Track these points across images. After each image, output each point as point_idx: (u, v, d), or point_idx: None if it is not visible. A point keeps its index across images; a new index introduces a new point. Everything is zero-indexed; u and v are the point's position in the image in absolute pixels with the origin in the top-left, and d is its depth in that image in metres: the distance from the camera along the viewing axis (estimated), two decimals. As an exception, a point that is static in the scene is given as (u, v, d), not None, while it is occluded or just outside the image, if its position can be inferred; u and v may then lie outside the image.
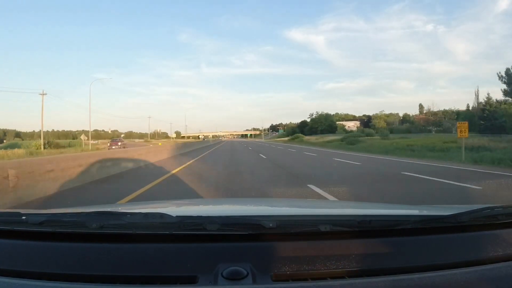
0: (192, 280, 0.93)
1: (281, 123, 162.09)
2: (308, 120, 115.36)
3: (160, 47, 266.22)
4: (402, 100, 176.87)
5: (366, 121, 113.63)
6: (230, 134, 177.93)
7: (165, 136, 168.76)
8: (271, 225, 1.03)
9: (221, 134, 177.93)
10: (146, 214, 1.11)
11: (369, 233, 1.08)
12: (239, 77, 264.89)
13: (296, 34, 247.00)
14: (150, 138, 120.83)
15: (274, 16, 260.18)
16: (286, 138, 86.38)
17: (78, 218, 1.13)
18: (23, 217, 1.09)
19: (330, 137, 58.03)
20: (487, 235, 1.11)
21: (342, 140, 47.23)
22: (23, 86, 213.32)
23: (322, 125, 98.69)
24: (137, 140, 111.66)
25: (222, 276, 0.92)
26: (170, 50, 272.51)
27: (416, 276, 0.93)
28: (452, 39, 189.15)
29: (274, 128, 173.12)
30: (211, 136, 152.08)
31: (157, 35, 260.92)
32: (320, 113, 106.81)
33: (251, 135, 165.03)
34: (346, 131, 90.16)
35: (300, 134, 72.17)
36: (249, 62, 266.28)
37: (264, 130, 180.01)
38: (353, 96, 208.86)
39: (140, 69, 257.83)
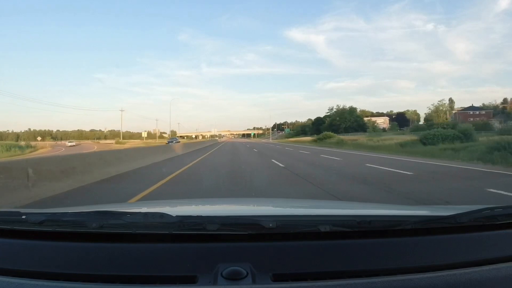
0: (192, 280, 0.93)
1: (286, 122, 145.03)
2: (325, 116, 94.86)
3: (160, 47, 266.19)
4: (402, 99, 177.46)
5: (396, 118, 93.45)
6: (230, 134, 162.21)
7: (159, 136, 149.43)
8: (271, 225, 1.03)
9: (219, 133, 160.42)
10: (146, 214, 1.10)
11: (369, 234, 1.08)
12: (239, 77, 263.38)
13: (296, 34, 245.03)
14: (128, 139, 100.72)
15: (274, 16, 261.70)
16: (309, 138, 64.36)
17: (78, 217, 1.13)
18: (23, 216, 1.09)
19: (399, 137, 35.79)
20: (487, 235, 1.11)
21: (423, 141, 26.49)
22: (24, 86, 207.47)
23: (347, 122, 78.15)
24: (105, 141, 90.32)
25: (222, 276, 0.92)
26: (170, 50, 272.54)
27: (416, 276, 0.93)
28: (453, 39, 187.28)
29: (278, 127, 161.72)
30: (208, 136, 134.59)
31: (157, 35, 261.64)
32: (342, 107, 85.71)
33: (254, 134, 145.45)
34: (378, 129, 69.86)
35: (331, 133, 50.46)
36: (249, 62, 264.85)
37: (268, 129, 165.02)
38: (354, 96, 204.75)
39: (140, 69, 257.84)
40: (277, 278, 0.93)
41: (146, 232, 1.06)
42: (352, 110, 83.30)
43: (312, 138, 53.82)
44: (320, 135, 49.07)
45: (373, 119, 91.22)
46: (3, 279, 0.92)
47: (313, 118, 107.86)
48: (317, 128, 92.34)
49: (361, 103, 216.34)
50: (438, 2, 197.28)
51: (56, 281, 0.92)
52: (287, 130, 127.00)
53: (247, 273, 0.92)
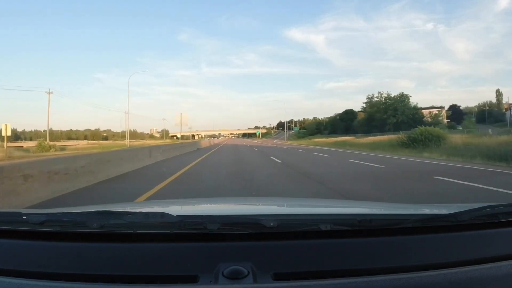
0: (193, 279, 0.93)
1: (292, 120, 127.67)
2: (359, 109, 72.08)
3: (160, 47, 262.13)
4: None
5: (455, 111, 70.50)
6: (230, 133, 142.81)
7: (149, 136, 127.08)
8: (271, 224, 1.03)
9: (219, 132, 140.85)
10: (147, 214, 1.10)
11: (370, 232, 1.07)
12: (239, 76, 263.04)
13: (296, 34, 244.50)
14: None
15: (273, 16, 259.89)
16: (352, 138, 41.76)
17: (79, 217, 1.13)
18: (24, 217, 1.09)
19: None
20: (488, 234, 1.11)
21: None
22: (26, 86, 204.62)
23: (399, 116, 54.42)
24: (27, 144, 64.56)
25: (223, 275, 0.92)
26: (170, 50, 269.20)
27: (416, 275, 0.93)
28: (452, 38, 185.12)
29: (283, 126, 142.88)
30: (203, 136, 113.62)
31: (157, 35, 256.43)
32: (385, 94, 61.63)
33: (259, 133, 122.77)
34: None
35: (437, 130, 25.66)
36: (249, 61, 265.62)
37: (273, 128, 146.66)
38: (354, 96, 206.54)
39: (140, 69, 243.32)
40: (278, 277, 0.93)
41: (147, 232, 1.05)
42: (403, 99, 58.84)
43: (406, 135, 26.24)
44: (415, 133, 23.29)
45: (434, 111, 67.16)
46: (4, 280, 0.92)
47: (320, 117, 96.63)
48: (348, 124, 69.43)
49: (360, 103, 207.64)
50: (438, 2, 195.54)
51: (57, 281, 0.92)
52: (295, 128, 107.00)
53: (248, 272, 0.92)
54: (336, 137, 55.75)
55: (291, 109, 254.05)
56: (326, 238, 1.04)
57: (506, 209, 1.14)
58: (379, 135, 44.71)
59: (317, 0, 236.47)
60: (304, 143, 48.97)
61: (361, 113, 71.18)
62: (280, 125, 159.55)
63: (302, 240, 1.03)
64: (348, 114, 72.85)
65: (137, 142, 60.05)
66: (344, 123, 71.65)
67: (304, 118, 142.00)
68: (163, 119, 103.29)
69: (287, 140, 69.68)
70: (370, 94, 65.35)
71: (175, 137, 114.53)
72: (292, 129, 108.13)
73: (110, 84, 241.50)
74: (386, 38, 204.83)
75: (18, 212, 1.12)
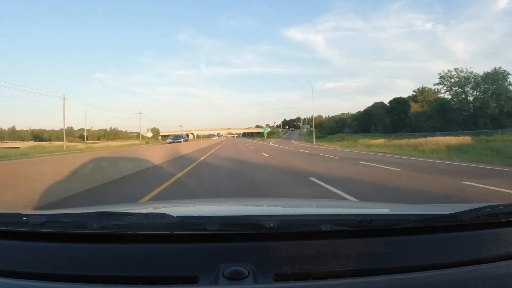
0: (193, 280, 0.93)
1: (299, 117, 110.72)
2: (409, 95, 53.20)
3: (160, 47, 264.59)
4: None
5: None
6: (229, 133, 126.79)
7: (137, 135, 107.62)
8: (271, 224, 1.03)
9: (218, 132, 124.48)
10: (147, 215, 1.10)
11: (370, 233, 1.07)
12: (238, 76, 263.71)
13: (295, 34, 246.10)
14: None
15: (273, 16, 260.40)
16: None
17: (79, 218, 1.12)
18: (24, 218, 1.08)
19: None
20: (488, 234, 1.11)
21: None
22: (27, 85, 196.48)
23: (503, 104, 35.17)
24: None
25: (223, 276, 0.92)
26: (170, 50, 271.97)
27: (416, 275, 0.93)
28: (451, 38, 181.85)
29: (289, 124, 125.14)
30: (195, 135, 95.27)
31: (157, 35, 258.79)
32: (465, 73, 41.25)
33: (267, 131, 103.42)
34: None
35: None
36: (248, 61, 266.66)
37: (277, 126, 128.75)
38: (353, 95, 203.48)
39: (140, 69, 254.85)
40: (279, 278, 0.93)
41: (147, 232, 1.05)
42: (498, 77, 38.08)
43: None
44: None
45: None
46: (5, 281, 0.92)
47: (324, 116, 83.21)
48: (398, 119, 49.60)
49: (359, 103, 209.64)
50: (437, 2, 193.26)
51: (57, 282, 0.91)
52: (306, 126, 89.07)
53: (249, 273, 0.92)
54: (392, 138, 36.17)
55: (291, 108, 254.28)
56: (326, 238, 1.04)
57: (506, 209, 1.14)
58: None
59: (317, 0, 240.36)
60: (369, 151, 23.18)
61: (413, 104, 52.00)
62: (286, 124, 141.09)
63: (302, 240, 1.03)
64: (400, 105, 52.59)
65: (97, 145, 42.15)
66: (392, 117, 52.27)
67: (311, 116, 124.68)
68: (139, 112, 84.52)
69: (303, 140, 50.71)
70: (445, 71, 45.37)
71: (160, 137, 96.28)
72: (299, 127, 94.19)
73: (110, 84, 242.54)
74: (385, 38, 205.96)
75: (18, 213, 1.11)
